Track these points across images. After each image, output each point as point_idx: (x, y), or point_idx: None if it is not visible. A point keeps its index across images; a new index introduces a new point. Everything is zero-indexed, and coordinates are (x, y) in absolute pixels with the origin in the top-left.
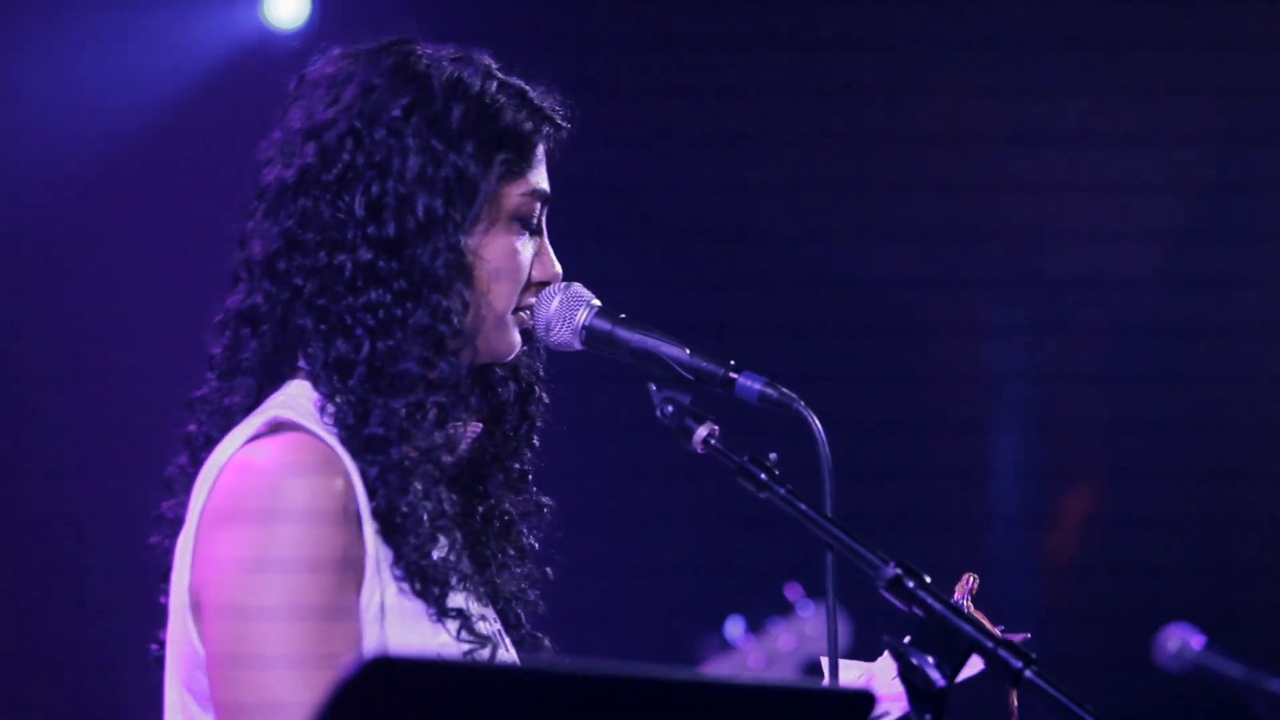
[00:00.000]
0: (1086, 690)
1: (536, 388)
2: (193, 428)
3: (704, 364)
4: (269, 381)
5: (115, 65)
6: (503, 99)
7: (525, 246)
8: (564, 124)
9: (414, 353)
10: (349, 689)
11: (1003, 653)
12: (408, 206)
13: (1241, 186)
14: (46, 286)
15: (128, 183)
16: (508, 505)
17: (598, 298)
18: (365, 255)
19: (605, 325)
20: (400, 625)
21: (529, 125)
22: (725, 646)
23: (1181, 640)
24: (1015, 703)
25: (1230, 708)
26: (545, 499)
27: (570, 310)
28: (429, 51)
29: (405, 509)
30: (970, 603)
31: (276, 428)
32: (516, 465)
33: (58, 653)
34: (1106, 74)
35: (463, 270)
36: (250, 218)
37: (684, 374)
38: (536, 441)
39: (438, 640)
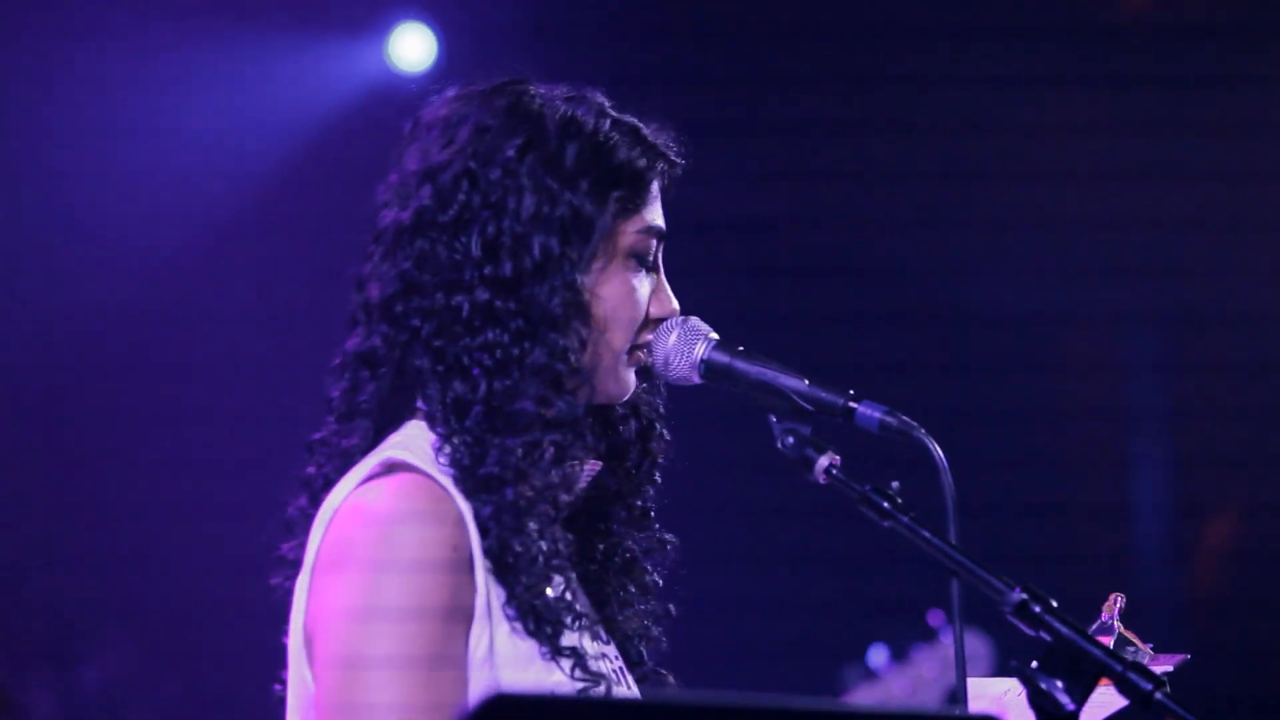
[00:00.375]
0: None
1: (657, 424)
2: (311, 470)
3: (823, 394)
4: (387, 423)
5: (245, 107)
6: (616, 136)
7: (642, 284)
8: (678, 160)
9: (531, 392)
10: None
11: (1133, 675)
12: (524, 246)
13: None
14: (177, 325)
15: (258, 224)
16: (630, 542)
17: (715, 331)
18: (482, 295)
19: (724, 358)
20: (514, 664)
21: (643, 162)
22: (869, 675)
23: None
24: None
25: None
26: (669, 535)
27: (688, 344)
28: (542, 91)
29: (519, 549)
30: (1119, 623)
31: (391, 469)
32: (639, 502)
33: (188, 690)
34: (1255, 112)
35: (580, 309)
36: (368, 260)
37: (803, 405)
38: (659, 478)
39: (552, 679)
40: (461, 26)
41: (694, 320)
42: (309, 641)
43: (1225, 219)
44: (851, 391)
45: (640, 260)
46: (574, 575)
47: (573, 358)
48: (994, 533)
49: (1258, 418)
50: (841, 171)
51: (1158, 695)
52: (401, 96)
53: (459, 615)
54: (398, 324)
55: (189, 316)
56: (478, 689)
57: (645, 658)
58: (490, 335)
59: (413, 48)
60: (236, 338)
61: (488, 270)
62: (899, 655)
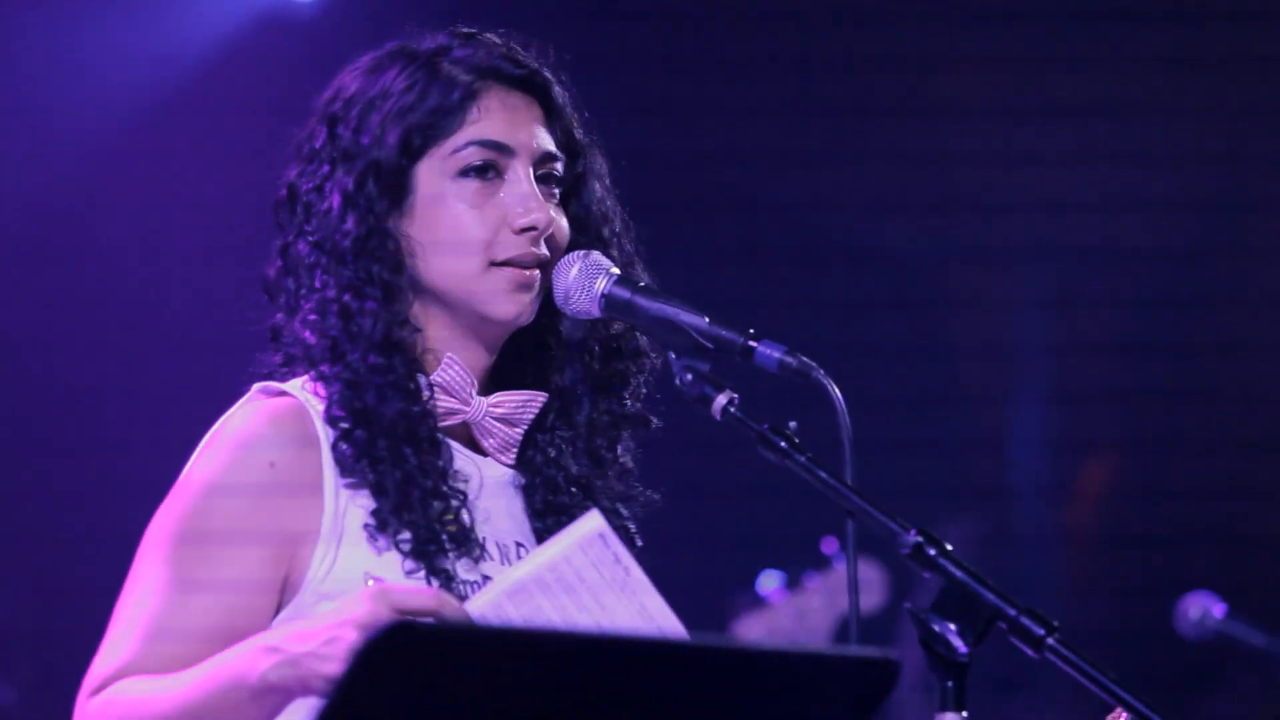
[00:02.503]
0: (1108, 661)
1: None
2: None
3: (723, 332)
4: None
5: (127, 36)
6: (413, 82)
7: (478, 200)
8: (510, 70)
9: (330, 326)
10: (370, 654)
11: (1025, 620)
12: (323, 197)
13: (1270, 160)
14: (58, 257)
15: (141, 157)
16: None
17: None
18: (302, 248)
19: (624, 293)
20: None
21: (455, 95)
22: (757, 603)
23: (1203, 608)
24: None
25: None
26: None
27: (589, 279)
28: (363, 66)
29: (371, 476)
30: None
31: (267, 393)
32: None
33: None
34: (1129, 44)
35: (377, 238)
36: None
37: (703, 342)
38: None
39: None
40: None
41: (595, 254)
42: None
43: (1111, 154)
44: (751, 330)
45: (478, 174)
46: (465, 497)
47: (368, 290)
48: (877, 467)
49: (1141, 355)
50: (731, 108)
51: (1050, 640)
52: (293, 24)
53: (268, 539)
54: (273, 291)
55: (67, 252)
56: (326, 600)
57: None
58: (313, 283)
59: None
60: (119, 274)
61: (306, 227)
62: (790, 583)
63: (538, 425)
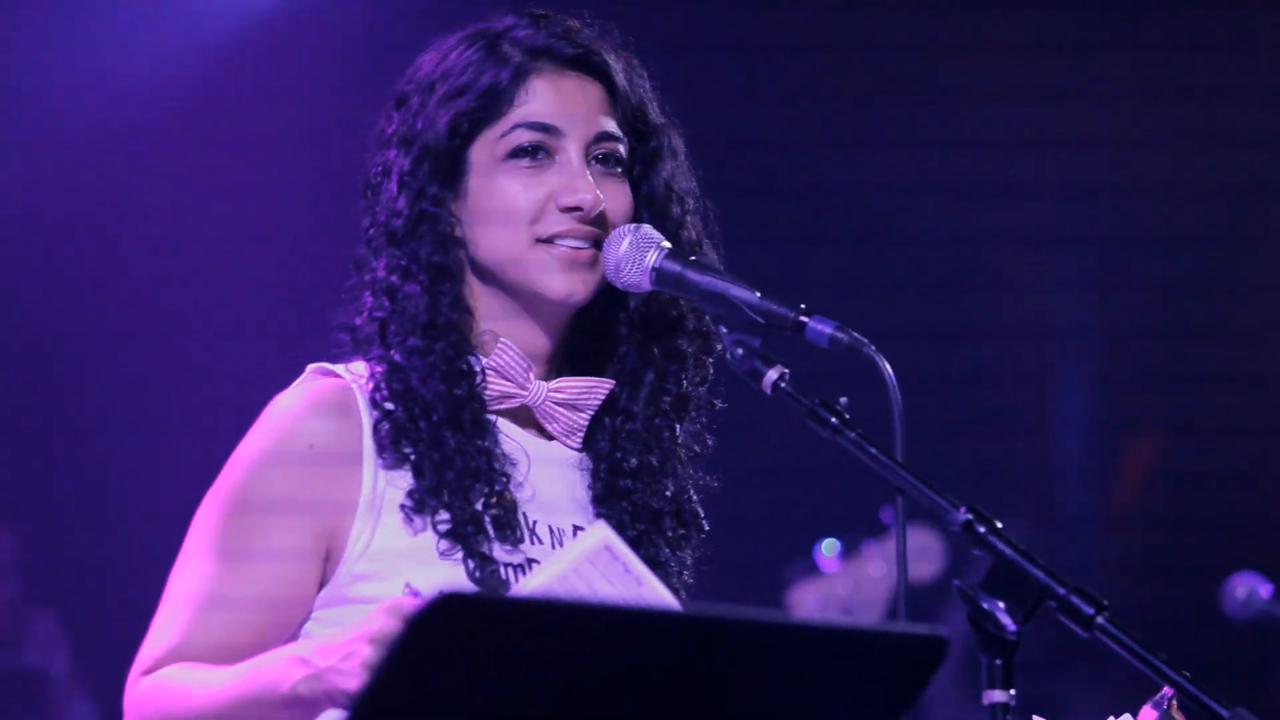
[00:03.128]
0: (1155, 641)
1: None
2: None
3: (774, 307)
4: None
5: (143, 24)
6: (471, 73)
7: (527, 180)
8: (569, 50)
9: (379, 305)
10: (418, 626)
11: (1075, 599)
12: (383, 184)
13: None
14: (73, 250)
15: (160, 145)
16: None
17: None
18: (367, 238)
19: (675, 267)
20: (408, 558)
21: (506, 76)
22: (814, 571)
23: (1249, 588)
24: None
25: None
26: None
27: (640, 252)
28: (428, 57)
29: (412, 454)
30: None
31: (318, 372)
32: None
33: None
34: (1175, 27)
35: (427, 222)
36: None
37: (754, 317)
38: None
39: (447, 574)
40: None
41: (646, 228)
42: None
43: (1157, 138)
44: (803, 306)
45: (528, 155)
46: (507, 480)
47: (415, 272)
48: (924, 444)
49: (1188, 338)
50: (780, 91)
51: (1100, 619)
52: (317, 12)
53: (309, 510)
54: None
55: (83, 245)
56: (360, 581)
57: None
58: (373, 265)
59: None
60: (137, 264)
61: (375, 209)
62: (848, 550)
63: (607, 409)
